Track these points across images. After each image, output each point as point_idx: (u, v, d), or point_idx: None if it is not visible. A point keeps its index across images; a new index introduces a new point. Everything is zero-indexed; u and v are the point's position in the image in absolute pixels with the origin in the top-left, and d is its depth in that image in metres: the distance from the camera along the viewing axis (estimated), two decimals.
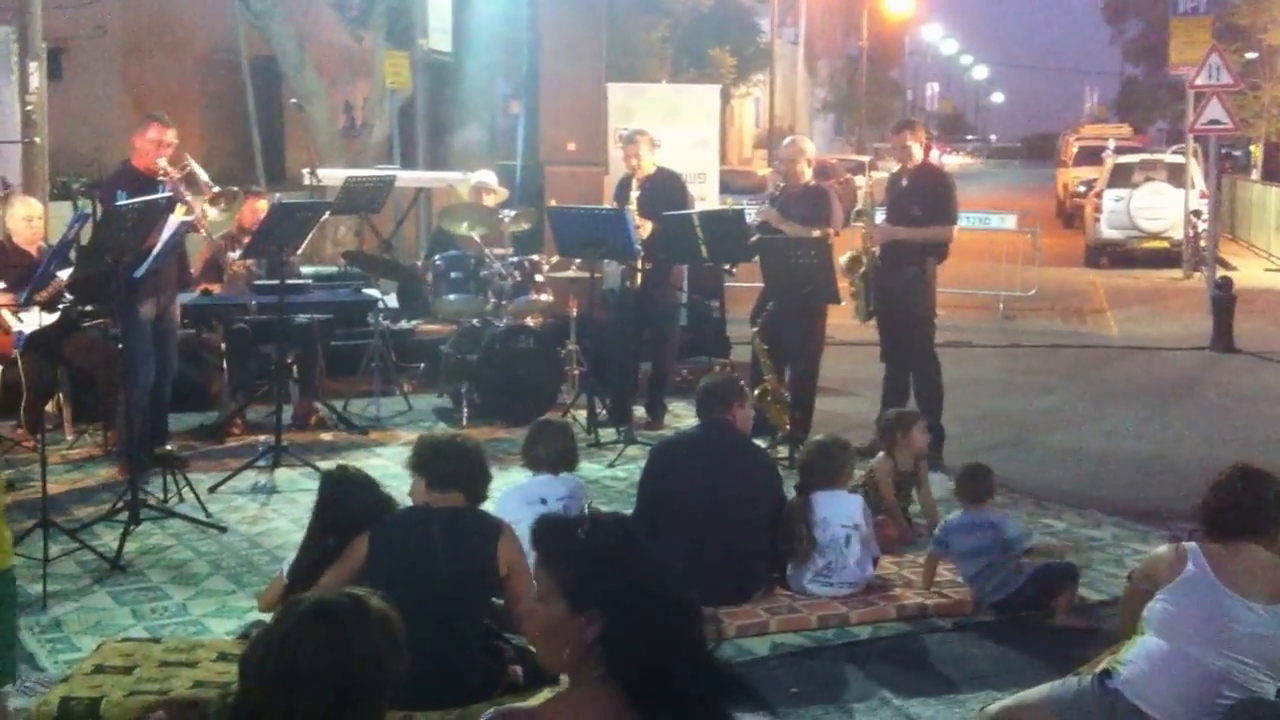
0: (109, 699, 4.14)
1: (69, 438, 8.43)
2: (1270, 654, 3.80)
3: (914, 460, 6.84)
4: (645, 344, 9.39)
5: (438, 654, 3.96)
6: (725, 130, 33.67)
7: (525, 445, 6.06)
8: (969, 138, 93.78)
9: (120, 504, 6.60)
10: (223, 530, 6.68)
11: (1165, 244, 20.66)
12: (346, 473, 4.88)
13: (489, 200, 10.04)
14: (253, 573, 6.07)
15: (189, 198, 7.47)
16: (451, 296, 9.35)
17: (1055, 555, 6.25)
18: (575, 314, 9.47)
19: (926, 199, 8.31)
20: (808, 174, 8.70)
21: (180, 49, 21.53)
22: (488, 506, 4.61)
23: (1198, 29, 19.60)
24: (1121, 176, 21.71)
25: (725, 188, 17.29)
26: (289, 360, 8.76)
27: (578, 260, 9.58)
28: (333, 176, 11.22)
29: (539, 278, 9.48)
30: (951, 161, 56.07)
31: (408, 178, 12.49)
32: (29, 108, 9.84)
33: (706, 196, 11.71)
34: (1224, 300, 13.21)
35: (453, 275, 9.35)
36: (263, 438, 8.19)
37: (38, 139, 9.88)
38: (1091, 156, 29.95)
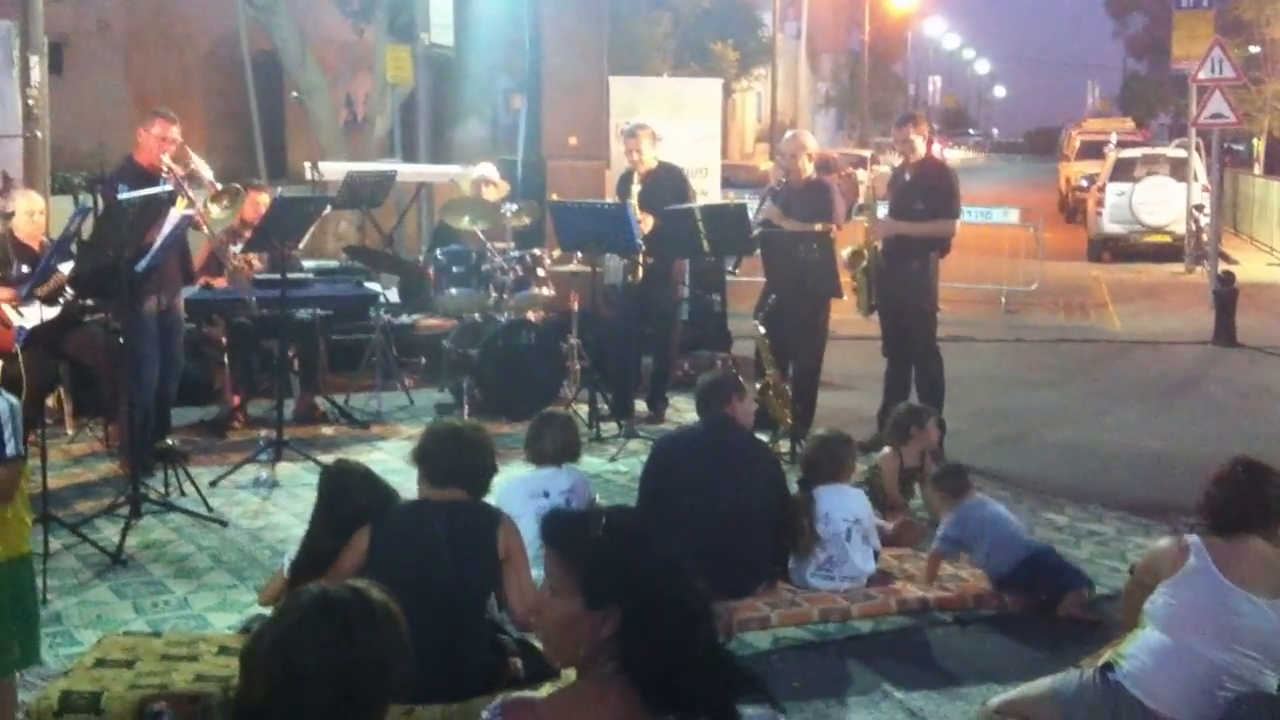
0: (110, 693, 4.14)
1: (70, 432, 8.44)
2: (1272, 647, 3.80)
3: (922, 455, 6.84)
4: (647, 339, 9.38)
5: (440, 648, 3.96)
6: (727, 125, 33.62)
7: (529, 438, 6.05)
8: (971, 132, 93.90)
9: (121, 498, 6.61)
10: (224, 524, 6.68)
11: (1167, 238, 20.65)
12: (346, 466, 4.87)
13: (490, 194, 10.03)
14: (254, 567, 6.07)
15: (191, 194, 7.46)
16: (453, 291, 9.35)
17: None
18: (577, 309, 9.47)
19: (929, 193, 8.30)
20: (809, 168, 8.68)
21: (182, 43, 21.55)
22: (489, 500, 4.61)
23: (1200, 23, 19.60)
24: (1124, 171, 21.70)
25: (727, 182, 17.29)
26: (290, 355, 8.76)
27: (579, 255, 9.57)
28: (334, 171, 11.21)
29: (541, 272, 9.47)
30: (954, 156, 55.98)
31: (409, 172, 12.47)
32: (30, 102, 9.83)
33: (708, 191, 11.70)
34: (1226, 295, 13.21)
35: (454, 270, 9.34)
36: (264, 432, 8.18)
37: (39, 133, 9.86)
38: (1094, 151, 29.93)
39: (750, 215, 8.87)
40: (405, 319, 10.68)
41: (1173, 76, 33.17)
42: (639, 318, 9.20)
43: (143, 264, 7.00)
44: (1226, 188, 23.09)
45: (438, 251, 9.53)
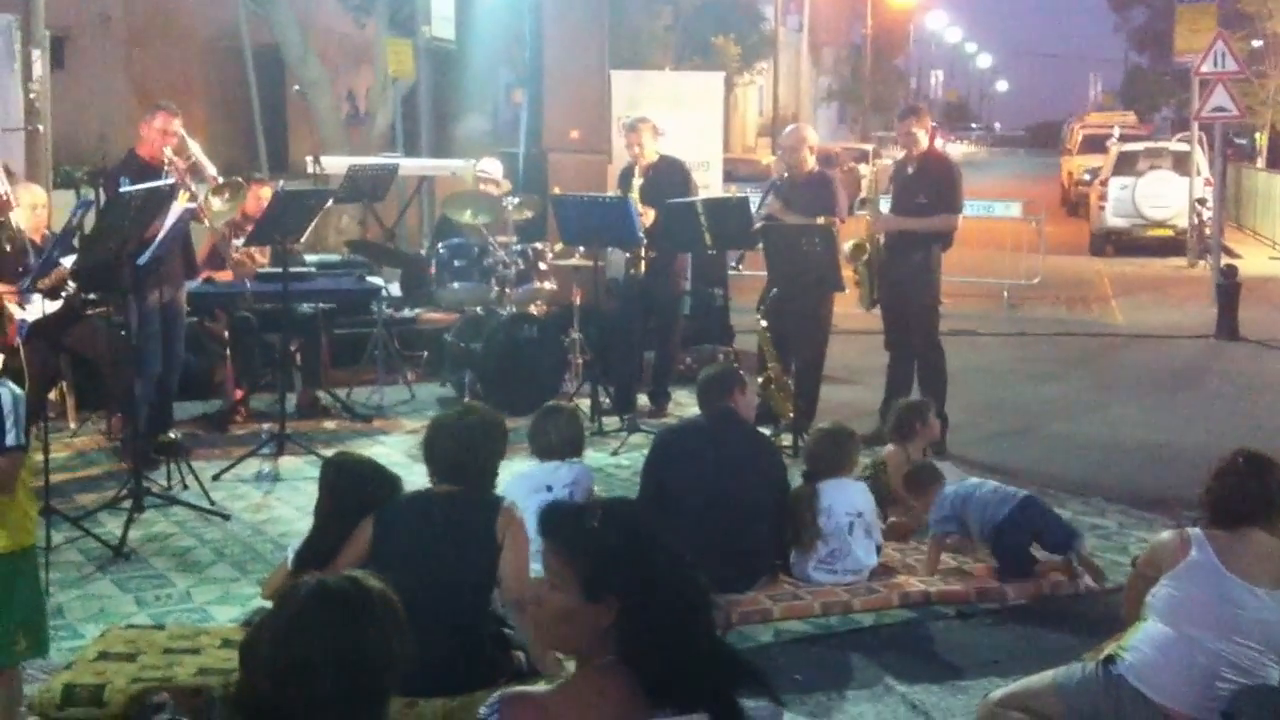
0: (113, 686, 4.15)
1: (72, 426, 8.44)
2: (1274, 638, 3.79)
3: (925, 450, 6.84)
4: (649, 332, 9.38)
5: (442, 641, 3.94)
6: (729, 118, 33.57)
7: (533, 432, 6.04)
8: (973, 126, 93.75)
9: (124, 492, 6.61)
10: (226, 518, 6.69)
11: (1170, 232, 20.63)
12: (347, 458, 4.87)
13: (491, 189, 10.02)
14: (256, 560, 6.07)
15: (193, 187, 7.46)
16: (455, 285, 9.35)
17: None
18: (579, 302, 9.47)
19: (932, 187, 8.29)
20: (811, 162, 8.67)
21: (183, 38, 21.52)
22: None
23: (1203, 16, 19.53)
24: (1126, 164, 21.67)
25: (729, 176, 17.27)
26: (293, 349, 8.76)
27: (581, 248, 9.56)
28: (336, 165, 11.21)
29: (543, 266, 9.47)
30: (956, 150, 55.96)
31: (411, 166, 12.47)
32: (32, 96, 9.82)
33: (710, 184, 11.68)
34: (1229, 288, 13.19)
35: (456, 264, 9.34)
36: (266, 426, 8.19)
37: (41, 127, 9.86)
38: (1096, 145, 29.86)
39: (752, 209, 8.86)
40: (407, 313, 10.68)
41: (1175, 70, 33.17)
42: (641, 312, 9.19)
43: (145, 257, 7.00)
44: (1229, 181, 23.07)
45: (440, 245, 9.53)
